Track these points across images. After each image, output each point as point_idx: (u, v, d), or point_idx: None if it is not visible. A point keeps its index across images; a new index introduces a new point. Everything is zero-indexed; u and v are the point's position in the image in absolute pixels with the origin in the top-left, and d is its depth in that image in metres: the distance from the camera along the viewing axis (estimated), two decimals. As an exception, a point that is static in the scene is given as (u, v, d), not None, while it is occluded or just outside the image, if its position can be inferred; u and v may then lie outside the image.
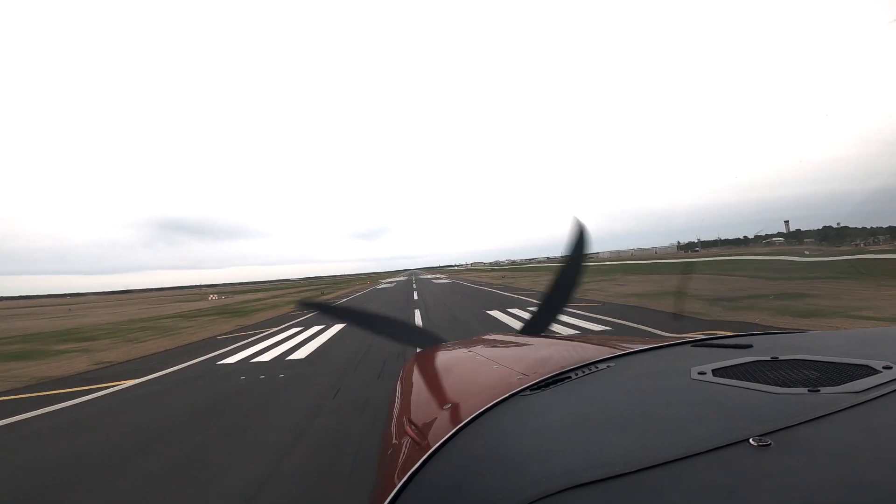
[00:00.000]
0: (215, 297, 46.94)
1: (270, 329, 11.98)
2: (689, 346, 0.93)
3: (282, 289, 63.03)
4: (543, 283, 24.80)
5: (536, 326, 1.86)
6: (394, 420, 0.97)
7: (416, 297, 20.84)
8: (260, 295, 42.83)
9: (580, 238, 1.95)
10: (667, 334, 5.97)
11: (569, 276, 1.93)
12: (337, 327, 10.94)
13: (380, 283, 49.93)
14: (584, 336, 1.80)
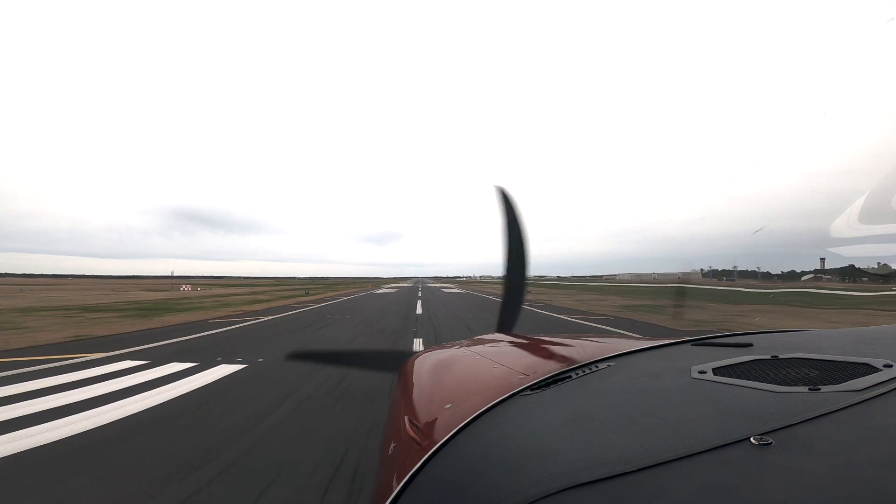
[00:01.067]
0: (188, 287, 42.06)
1: (107, 353, 5.91)
2: (689, 344, 0.94)
3: (276, 286, 57.28)
4: (586, 301, 19.37)
5: (506, 324, 1.77)
6: (394, 420, 0.95)
7: (419, 310, 14.31)
8: (241, 290, 38.38)
9: (511, 209, 1.77)
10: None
11: (518, 259, 1.80)
12: (213, 376, 4.53)
13: (380, 288, 43.88)
14: (584, 335, 1.42)
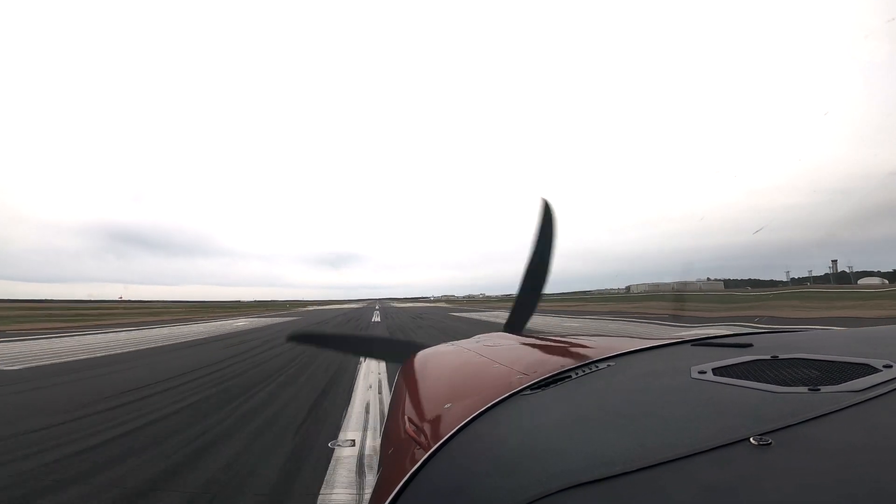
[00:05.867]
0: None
1: None
2: (689, 345, 0.93)
3: (160, 312, 45.89)
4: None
5: (515, 325, 1.80)
6: (394, 420, 0.95)
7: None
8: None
9: (549, 221, 1.81)
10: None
11: (540, 267, 1.82)
12: None
13: (266, 315, 31.18)
14: (584, 336, 1.46)
